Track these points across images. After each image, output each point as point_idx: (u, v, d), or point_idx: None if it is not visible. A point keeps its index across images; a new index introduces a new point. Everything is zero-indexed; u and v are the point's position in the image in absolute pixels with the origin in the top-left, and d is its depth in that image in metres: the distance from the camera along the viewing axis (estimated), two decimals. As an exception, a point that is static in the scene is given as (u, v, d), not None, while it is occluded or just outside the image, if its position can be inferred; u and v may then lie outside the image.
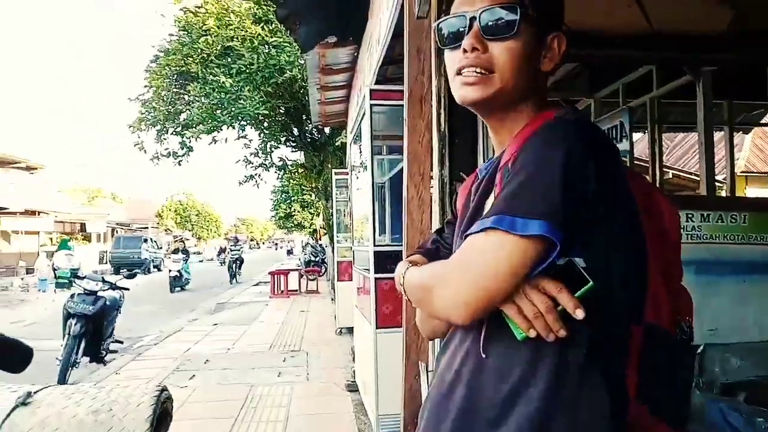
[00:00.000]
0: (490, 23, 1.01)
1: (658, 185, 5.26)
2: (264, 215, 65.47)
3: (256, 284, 19.31)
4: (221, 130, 12.18)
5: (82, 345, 6.18)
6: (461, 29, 1.04)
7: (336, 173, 9.71)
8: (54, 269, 19.00)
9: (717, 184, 5.71)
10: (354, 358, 6.21)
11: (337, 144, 12.34)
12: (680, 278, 1.09)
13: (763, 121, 7.23)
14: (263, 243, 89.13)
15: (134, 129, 13.06)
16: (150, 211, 52.80)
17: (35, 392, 1.57)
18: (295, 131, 13.16)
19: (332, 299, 11.61)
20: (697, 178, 6.16)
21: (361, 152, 4.99)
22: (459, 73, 1.05)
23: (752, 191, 10.50)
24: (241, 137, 13.18)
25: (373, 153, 4.32)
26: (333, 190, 9.81)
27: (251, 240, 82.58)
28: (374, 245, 4.14)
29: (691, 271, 2.63)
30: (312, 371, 6.56)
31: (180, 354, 7.64)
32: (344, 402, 5.29)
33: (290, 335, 9.11)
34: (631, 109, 5.19)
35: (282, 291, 15.35)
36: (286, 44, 10.80)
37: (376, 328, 4.05)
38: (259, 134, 13.27)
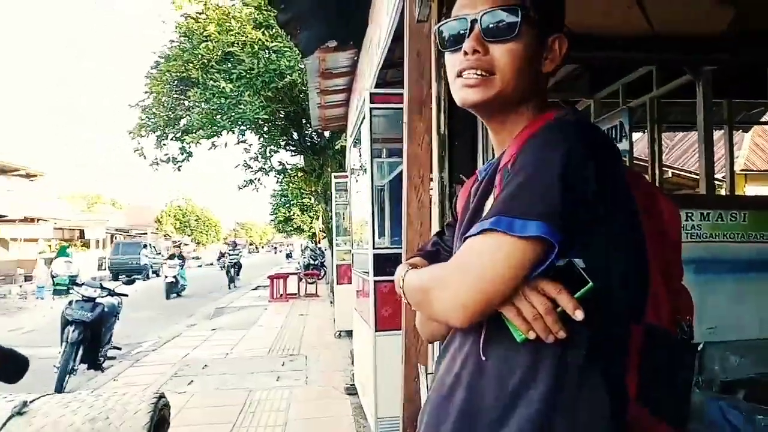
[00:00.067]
0: (491, 25, 1.01)
1: (657, 184, 5.26)
2: (263, 219, 65.53)
3: (255, 288, 19.30)
4: (221, 135, 12.19)
5: (80, 352, 6.17)
6: (462, 32, 1.04)
7: (335, 176, 9.71)
8: (52, 276, 19.00)
9: (716, 182, 5.73)
10: (353, 362, 6.20)
11: (336, 147, 12.33)
12: (680, 278, 1.09)
13: (762, 120, 7.23)
14: (262, 247, 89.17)
15: (134, 135, 13.06)
16: (149, 216, 52.80)
17: (31, 401, 1.56)
18: (295, 135, 13.17)
19: (331, 302, 11.60)
20: (697, 177, 6.16)
21: (360, 155, 4.98)
22: (460, 75, 1.04)
23: (752, 189, 10.50)
24: (241, 142, 13.19)
25: (373, 156, 4.32)
26: (332, 193, 9.81)
27: (250, 244, 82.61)
28: (374, 248, 4.14)
29: (691, 269, 2.62)
30: (311, 375, 6.54)
31: (178, 359, 7.62)
32: (343, 405, 5.28)
33: (289, 339, 9.09)
34: (631, 109, 5.19)
35: (281, 295, 15.33)
36: (286, 49, 10.82)
37: (376, 331, 4.04)
38: (259, 138, 13.27)
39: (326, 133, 12.31)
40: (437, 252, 1.24)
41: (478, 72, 1.01)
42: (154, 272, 29.25)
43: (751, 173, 10.70)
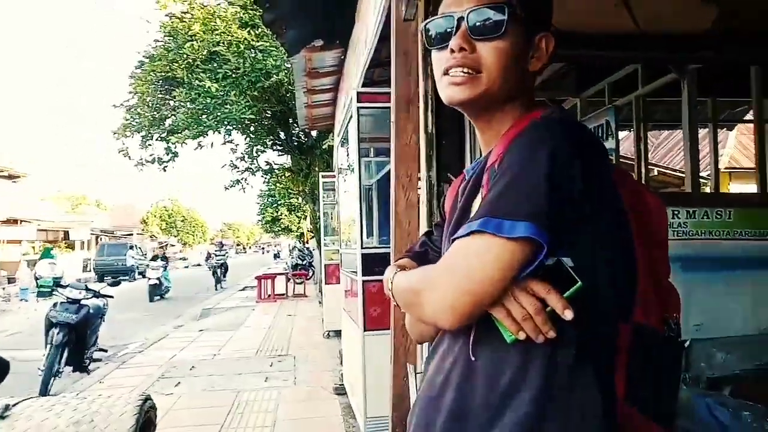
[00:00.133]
0: (477, 23, 1.01)
1: (643, 183, 5.29)
2: (250, 219, 65.22)
3: (243, 289, 19.21)
4: (207, 135, 12.11)
5: (65, 354, 6.12)
6: (449, 29, 1.04)
7: (323, 176, 9.70)
8: (36, 278, 18.77)
9: (702, 180, 5.77)
10: (342, 361, 6.19)
11: (324, 147, 12.31)
12: (668, 275, 1.09)
13: (746, 118, 7.30)
14: (250, 247, 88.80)
15: (119, 135, 12.95)
16: (135, 217, 52.36)
17: (14, 405, 1.53)
18: (282, 135, 13.11)
19: (320, 302, 11.58)
20: (682, 175, 6.21)
21: (348, 155, 4.97)
22: (446, 73, 1.04)
23: (736, 187, 10.59)
24: (228, 142, 13.11)
25: (361, 155, 4.31)
26: (320, 193, 9.79)
27: (238, 245, 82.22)
28: (362, 248, 4.13)
29: (677, 267, 2.63)
30: (299, 375, 6.52)
31: (165, 361, 7.57)
32: (332, 405, 5.26)
33: (277, 340, 9.06)
34: (617, 107, 5.22)
35: (269, 295, 15.28)
36: (272, 48, 10.77)
37: (364, 330, 4.04)
38: (246, 138, 13.20)
39: (313, 133, 12.28)
40: (426, 253, 1.23)
41: (465, 70, 1.01)
42: (140, 273, 28.99)
43: (735, 171, 10.79)
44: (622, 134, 6.48)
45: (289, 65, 8.85)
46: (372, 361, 3.96)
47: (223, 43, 10.98)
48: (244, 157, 13.64)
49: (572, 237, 0.89)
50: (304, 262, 20.60)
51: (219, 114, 11.00)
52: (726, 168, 10.25)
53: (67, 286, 6.73)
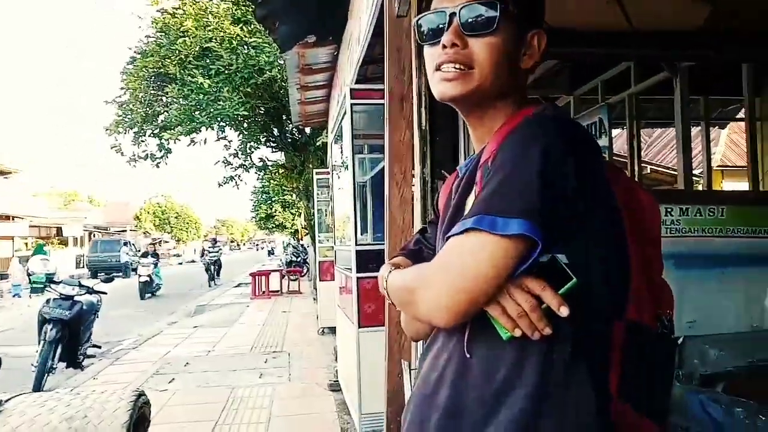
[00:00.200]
0: (470, 19, 1.01)
1: (636, 180, 5.31)
2: (244, 216, 65.12)
3: (237, 285, 19.16)
4: (200, 131, 12.06)
5: (59, 350, 6.10)
6: (441, 25, 1.04)
7: (317, 173, 9.69)
8: (29, 274, 18.66)
9: (694, 178, 5.80)
10: (336, 358, 6.19)
11: (317, 144, 12.28)
12: (661, 272, 1.09)
13: (738, 116, 7.34)
14: (244, 244, 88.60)
15: (111, 131, 12.88)
16: (128, 213, 52.17)
17: (6, 400, 1.52)
18: (276, 131, 13.07)
19: (314, 299, 11.57)
20: (675, 173, 6.23)
21: (342, 152, 4.96)
22: (438, 68, 1.04)
23: (728, 185, 10.64)
24: (221, 138, 13.07)
25: (354, 152, 4.31)
26: (314, 190, 9.77)
27: (232, 241, 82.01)
28: (356, 244, 4.13)
29: (670, 264, 2.65)
30: (294, 372, 6.52)
31: (159, 357, 7.55)
32: (327, 402, 5.27)
33: (272, 336, 9.05)
34: (610, 105, 5.24)
35: (263, 292, 15.26)
36: (265, 44, 10.73)
37: (359, 327, 4.04)
38: (239, 135, 13.15)
39: (307, 130, 12.25)
40: (420, 250, 1.23)
41: (457, 66, 1.01)
42: (134, 270, 28.86)
43: (727, 169, 10.83)
44: (615, 132, 6.51)
45: (282, 61, 8.84)
46: (366, 357, 3.97)
47: (216, 39, 10.94)
48: (237, 153, 13.60)
49: (566, 234, 0.89)
50: (299, 259, 20.58)
51: (212, 110, 10.95)
52: (718, 166, 10.28)
53: (60, 282, 6.71)
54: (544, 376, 0.89)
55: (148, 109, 12.18)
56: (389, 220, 2.55)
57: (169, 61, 11.16)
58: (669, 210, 2.92)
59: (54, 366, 6.05)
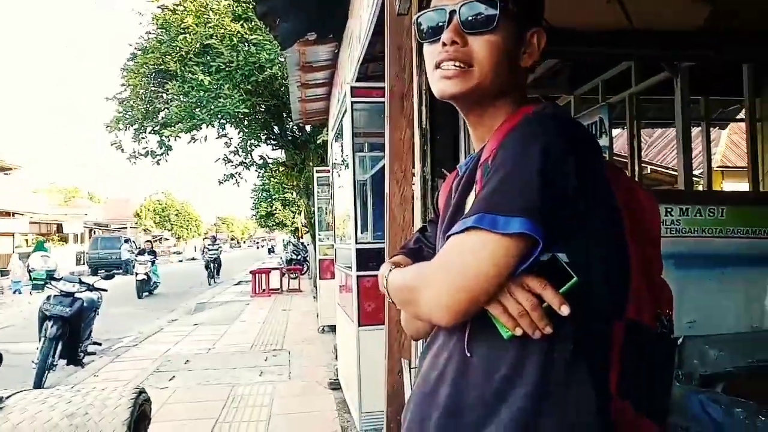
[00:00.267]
0: (469, 17, 1.01)
1: (637, 180, 5.31)
2: (244, 214, 65.15)
3: (237, 283, 19.17)
4: (201, 128, 12.06)
5: (59, 347, 6.09)
6: (441, 23, 1.04)
7: (317, 171, 9.68)
8: (29, 271, 18.67)
9: (694, 178, 5.80)
10: (337, 356, 6.19)
11: (318, 142, 12.27)
12: (660, 272, 1.09)
13: (738, 117, 7.33)
14: (244, 242, 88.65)
15: (111, 128, 12.89)
16: (128, 210, 52.24)
17: (7, 397, 1.52)
18: (276, 129, 13.08)
19: (314, 297, 11.57)
20: (675, 173, 6.23)
21: (342, 150, 4.96)
22: (438, 66, 1.04)
23: (728, 185, 10.63)
24: (221, 136, 13.07)
25: (355, 150, 4.31)
26: (314, 187, 9.77)
27: (232, 239, 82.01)
28: (356, 243, 4.13)
29: (670, 264, 2.65)
30: (294, 370, 6.52)
31: (160, 355, 7.56)
32: (327, 400, 5.27)
33: (272, 334, 9.06)
34: (610, 105, 5.24)
35: (264, 290, 15.26)
36: (266, 42, 10.74)
37: (359, 325, 4.04)
38: (239, 132, 13.16)
39: (308, 128, 12.24)
40: (420, 249, 1.23)
41: (457, 63, 1.01)
42: (134, 267, 28.89)
43: (727, 170, 10.82)
44: (615, 132, 6.51)
45: (282, 59, 8.83)
46: (367, 355, 3.97)
47: (216, 36, 10.95)
48: (238, 151, 13.62)
49: (566, 233, 0.89)
50: (299, 257, 20.55)
51: (212, 107, 10.96)
52: (718, 166, 10.28)
53: (61, 279, 6.71)
54: (545, 375, 0.89)
55: (148, 105, 12.19)
56: (389, 218, 2.55)
57: (169, 57, 11.17)
58: (669, 210, 2.92)
59: (54, 363, 6.05)
